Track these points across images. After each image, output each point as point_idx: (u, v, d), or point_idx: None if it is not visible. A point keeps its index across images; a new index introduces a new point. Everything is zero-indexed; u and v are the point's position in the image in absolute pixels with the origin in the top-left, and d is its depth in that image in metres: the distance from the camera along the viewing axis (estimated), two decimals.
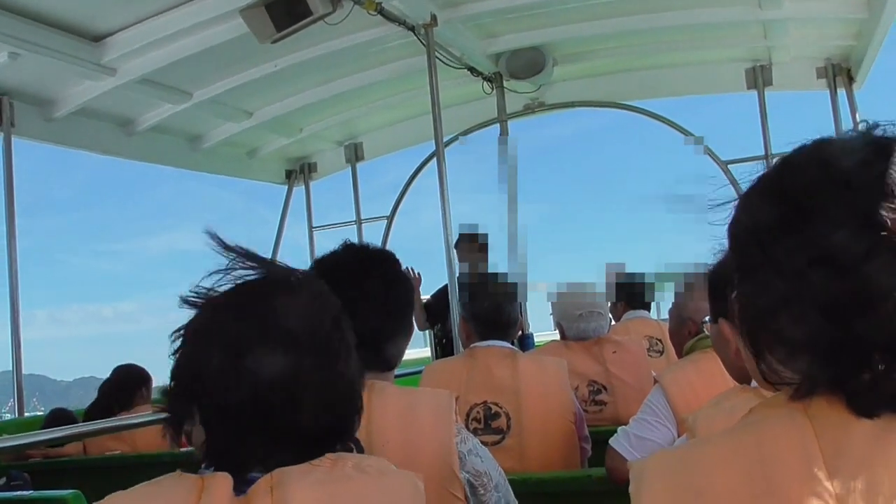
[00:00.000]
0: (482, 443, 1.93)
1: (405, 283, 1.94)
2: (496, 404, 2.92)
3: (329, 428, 1.19)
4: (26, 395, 5.60)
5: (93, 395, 4.91)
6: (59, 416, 4.81)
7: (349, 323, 1.26)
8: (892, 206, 0.84)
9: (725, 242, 1.01)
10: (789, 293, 0.88)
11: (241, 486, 1.12)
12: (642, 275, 5.09)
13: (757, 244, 0.93)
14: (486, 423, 2.92)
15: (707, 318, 2.02)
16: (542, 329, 6.66)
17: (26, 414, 5.55)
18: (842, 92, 6.60)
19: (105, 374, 5.01)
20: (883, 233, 0.83)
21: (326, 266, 1.85)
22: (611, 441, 2.60)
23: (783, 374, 0.91)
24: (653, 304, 5.06)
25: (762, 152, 6.67)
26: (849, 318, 0.83)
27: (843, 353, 0.85)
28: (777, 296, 0.90)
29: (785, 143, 0.97)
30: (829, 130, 0.95)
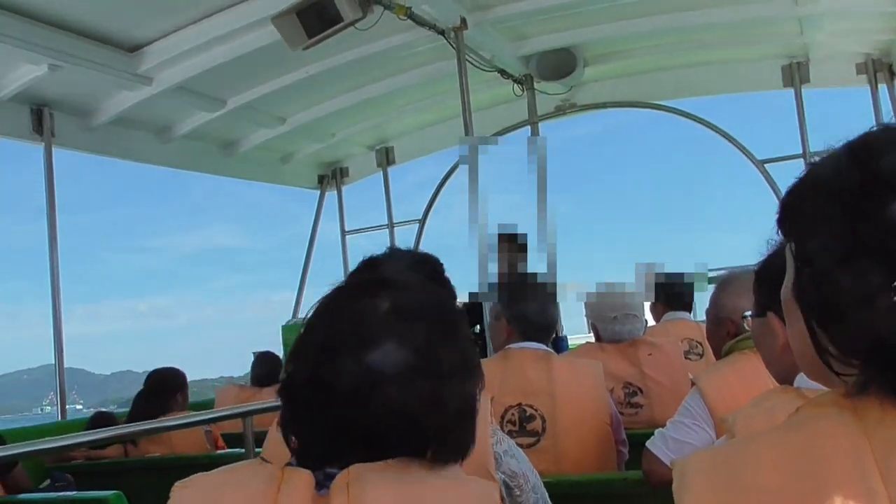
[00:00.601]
0: (517, 444, 1.93)
1: (451, 287, 1.95)
2: (531, 406, 2.92)
3: (400, 437, 1.16)
4: (66, 387, 5.70)
5: (129, 389, 4.96)
6: (101, 419, 4.88)
7: (458, 340, 1.24)
8: (869, 212, 0.84)
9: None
10: (824, 288, 0.89)
11: (323, 482, 1.13)
12: (683, 275, 5.02)
13: (796, 238, 0.95)
14: (521, 425, 2.92)
15: (747, 314, 1.97)
16: (574, 332, 6.64)
17: (66, 407, 5.65)
18: (883, 87, 6.48)
19: (140, 367, 5.10)
20: (859, 239, 0.84)
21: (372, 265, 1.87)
22: (647, 443, 2.58)
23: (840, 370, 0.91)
24: (693, 306, 4.99)
25: (799, 151, 6.60)
26: (887, 314, 0.83)
27: (881, 350, 0.84)
28: (813, 291, 0.91)
29: (823, 141, 0.97)
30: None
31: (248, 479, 1.15)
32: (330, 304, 1.27)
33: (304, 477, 1.13)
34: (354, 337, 1.18)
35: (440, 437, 1.19)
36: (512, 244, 5.40)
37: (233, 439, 4.83)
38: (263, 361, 6.22)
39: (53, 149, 5.64)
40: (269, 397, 5.18)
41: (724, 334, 2.71)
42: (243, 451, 3.74)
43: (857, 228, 0.85)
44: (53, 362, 5.75)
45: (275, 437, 2.01)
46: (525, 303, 3.14)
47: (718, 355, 2.75)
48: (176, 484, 1.18)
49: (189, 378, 5.17)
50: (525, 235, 5.50)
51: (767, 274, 1.83)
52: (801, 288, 0.94)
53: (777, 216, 0.98)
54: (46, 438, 3.48)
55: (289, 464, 1.20)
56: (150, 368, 5.07)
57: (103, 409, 5.64)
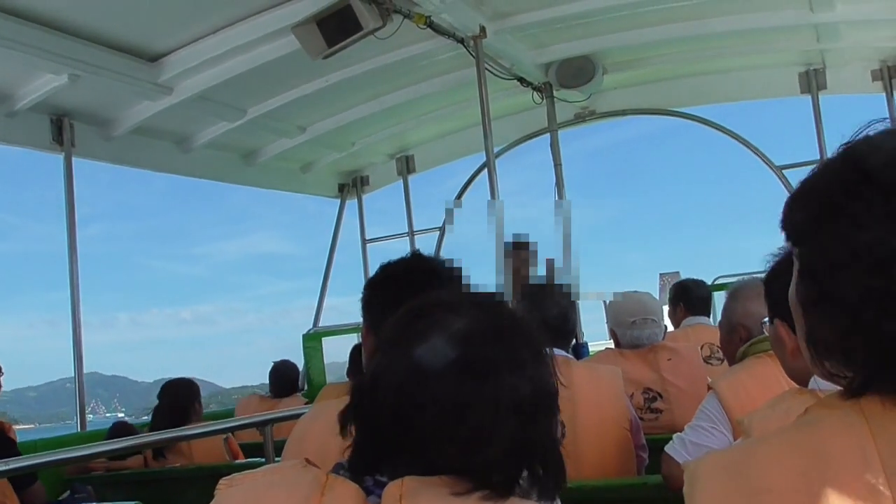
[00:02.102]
0: None
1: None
2: None
3: (443, 452, 1.12)
4: (107, 396, 5.73)
5: None
6: (120, 430, 4.89)
7: (523, 370, 1.17)
8: (854, 216, 0.85)
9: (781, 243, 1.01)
10: (818, 292, 0.90)
11: (372, 489, 1.12)
12: (701, 280, 5.01)
13: (794, 244, 0.94)
14: None
15: (765, 320, 2.00)
16: (595, 339, 6.63)
17: (107, 414, 5.69)
18: None
19: (182, 374, 5.07)
20: (847, 243, 0.84)
21: (394, 272, 1.87)
22: (666, 448, 2.58)
23: (839, 372, 0.91)
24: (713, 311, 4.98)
25: (817, 157, 6.59)
26: (879, 317, 0.83)
27: (876, 352, 0.85)
28: (809, 295, 0.92)
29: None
30: None
31: (293, 480, 1.15)
32: (402, 315, 1.25)
33: (350, 488, 1.12)
34: (405, 348, 1.16)
35: (486, 467, 1.12)
36: (522, 252, 5.41)
37: (250, 449, 4.85)
38: (281, 371, 6.24)
39: (73, 159, 5.68)
40: (289, 407, 5.20)
41: (737, 341, 2.71)
42: (263, 460, 3.75)
43: (844, 233, 0.86)
44: (73, 373, 5.78)
45: (296, 441, 2.01)
46: (548, 309, 3.13)
47: (733, 363, 2.75)
48: (221, 481, 1.18)
49: (229, 385, 5.19)
50: (536, 244, 5.50)
51: (773, 281, 1.84)
52: (799, 292, 0.94)
53: (781, 222, 0.99)
54: (64, 449, 3.49)
55: (339, 465, 1.20)
56: (193, 376, 5.10)
57: (125, 419, 5.66)
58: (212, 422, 4.70)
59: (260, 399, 6.12)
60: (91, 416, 6.00)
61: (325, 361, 7.23)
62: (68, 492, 4.38)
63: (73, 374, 5.63)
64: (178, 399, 4.83)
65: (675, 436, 2.60)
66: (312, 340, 7.29)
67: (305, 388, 7.27)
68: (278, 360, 6.34)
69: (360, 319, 1.92)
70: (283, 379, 6.17)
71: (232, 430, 4.57)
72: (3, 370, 3.99)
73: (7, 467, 2.79)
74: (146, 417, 5.51)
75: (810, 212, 0.92)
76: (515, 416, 1.13)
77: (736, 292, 2.77)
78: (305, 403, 5.57)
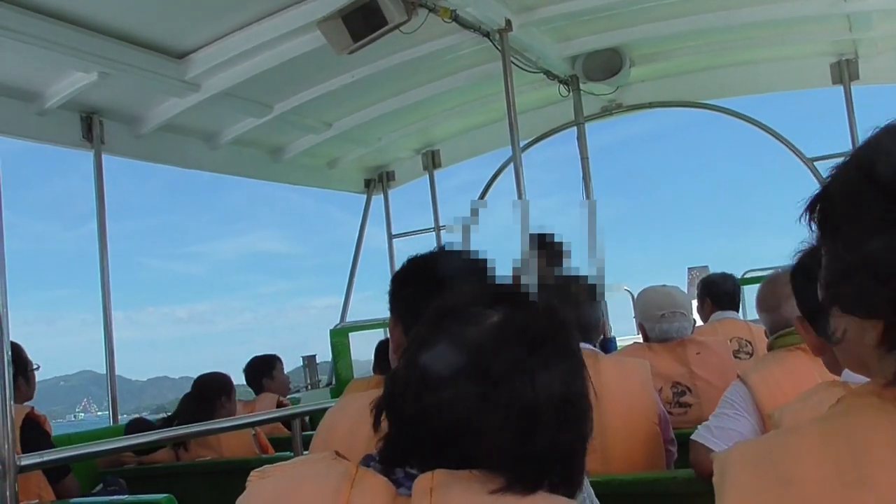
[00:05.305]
0: None
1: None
2: None
3: (465, 447, 1.12)
4: (100, 394, 5.78)
5: (165, 395, 4.97)
6: (139, 426, 4.91)
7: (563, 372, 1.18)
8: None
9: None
10: (827, 299, 0.91)
11: (402, 481, 1.12)
12: (731, 275, 4.97)
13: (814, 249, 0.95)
14: None
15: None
16: (623, 334, 6.59)
17: (98, 413, 5.74)
18: None
19: (177, 373, 5.09)
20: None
21: (421, 265, 1.87)
22: (692, 436, 2.57)
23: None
24: (741, 305, 4.93)
25: (849, 148, 6.50)
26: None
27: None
28: (822, 298, 0.93)
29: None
30: None
31: (323, 472, 1.15)
32: (437, 307, 1.24)
33: (379, 480, 1.12)
34: (428, 349, 1.16)
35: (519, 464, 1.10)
36: (547, 250, 5.36)
37: (276, 443, 4.88)
38: (254, 365, 6.12)
39: (103, 156, 5.74)
40: (307, 402, 5.18)
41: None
42: (291, 453, 3.77)
43: (854, 241, 0.86)
44: (105, 368, 5.85)
45: (324, 432, 2.02)
46: (567, 303, 3.12)
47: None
48: (253, 473, 1.19)
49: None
50: (560, 243, 5.46)
51: (797, 276, 1.82)
52: (831, 284, 0.93)
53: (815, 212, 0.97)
54: (98, 441, 3.53)
55: (369, 456, 1.20)
56: (187, 374, 5.10)
57: (136, 416, 5.68)
58: (238, 416, 4.74)
59: (243, 404, 5.80)
60: (82, 414, 6.04)
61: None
62: (101, 484, 4.42)
63: (66, 374, 5.72)
64: (203, 392, 4.84)
65: (699, 426, 2.60)
66: (340, 336, 7.31)
67: (334, 382, 7.28)
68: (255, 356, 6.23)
69: (386, 315, 1.91)
70: (254, 373, 6.05)
71: (262, 423, 4.62)
72: (39, 365, 4.02)
73: (41, 459, 2.81)
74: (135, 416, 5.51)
75: (823, 216, 0.93)
76: (540, 420, 1.12)
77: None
78: (279, 404, 5.58)
